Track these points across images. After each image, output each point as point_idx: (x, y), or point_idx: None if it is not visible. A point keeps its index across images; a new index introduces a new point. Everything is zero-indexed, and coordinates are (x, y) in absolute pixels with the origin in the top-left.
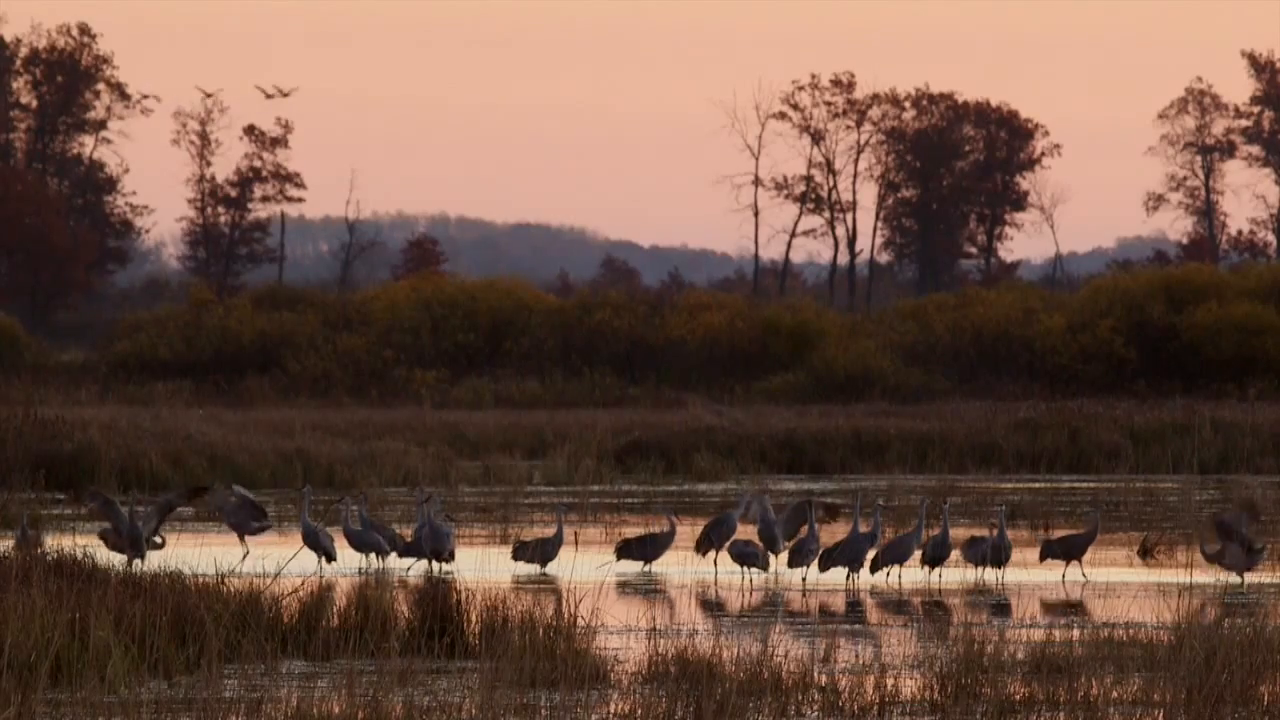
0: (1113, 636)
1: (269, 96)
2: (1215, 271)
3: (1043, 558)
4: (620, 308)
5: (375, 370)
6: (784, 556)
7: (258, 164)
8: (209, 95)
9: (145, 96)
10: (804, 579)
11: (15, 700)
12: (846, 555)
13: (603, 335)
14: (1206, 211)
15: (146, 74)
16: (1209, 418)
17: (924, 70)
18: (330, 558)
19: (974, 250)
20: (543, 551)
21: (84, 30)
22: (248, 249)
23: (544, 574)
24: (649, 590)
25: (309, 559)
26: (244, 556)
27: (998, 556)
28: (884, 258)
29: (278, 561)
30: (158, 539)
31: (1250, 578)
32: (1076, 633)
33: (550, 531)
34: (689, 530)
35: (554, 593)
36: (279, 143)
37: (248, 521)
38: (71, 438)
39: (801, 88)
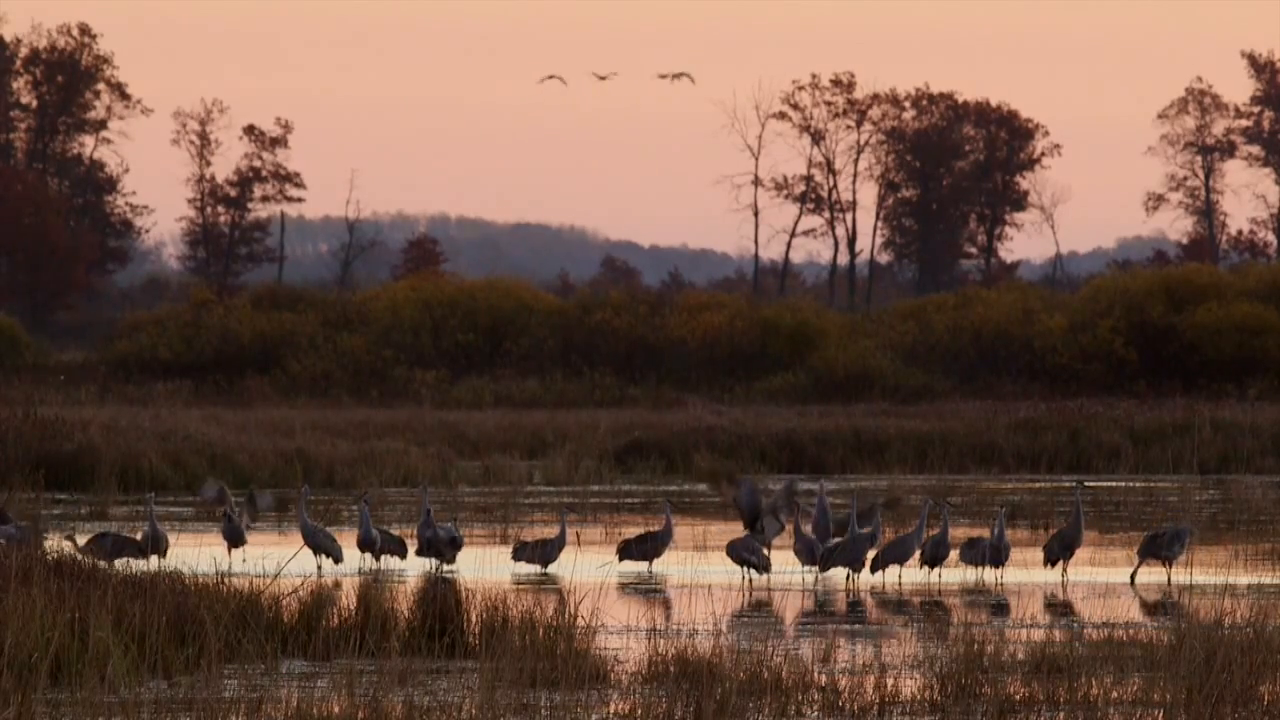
0: (1113, 636)
1: (601, 78)
2: (1215, 271)
3: (1048, 562)
4: (620, 308)
5: (375, 370)
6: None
7: (257, 164)
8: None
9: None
10: (804, 578)
11: (15, 700)
12: (846, 555)
13: (603, 335)
14: (1206, 211)
15: (146, 74)
16: (1209, 418)
17: (924, 70)
18: (334, 557)
19: (974, 250)
20: (543, 552)
21: (84, 30)
22: (248, 249)
23: (545, 574)
24: (649, 590)
25: (309, 559)
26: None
27: (996, 557)
28: (884, 258)
29: (278, 561)
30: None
31: (1248, 578)
32: (1076, 633)
33: (552, 532)
34: (689, 530)
35: (554, 593)
36: (279, 143)
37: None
38: (71, 438)
39: (801, 88)
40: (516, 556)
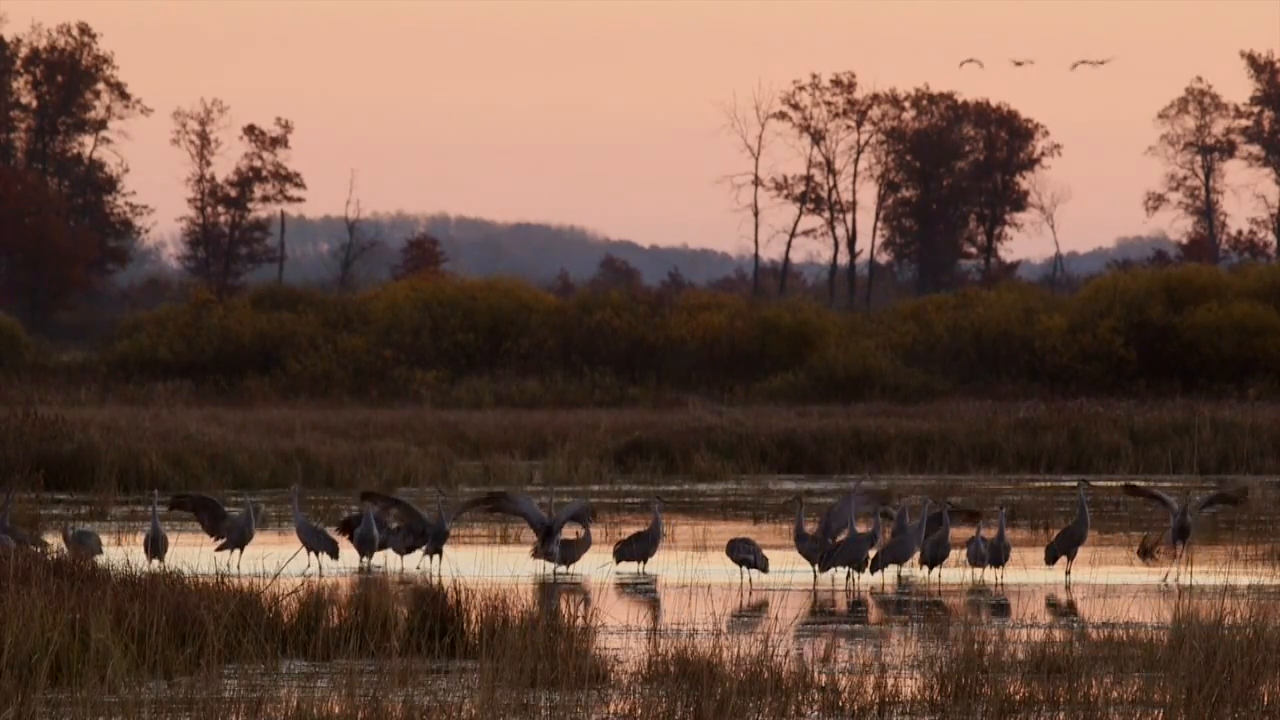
0: (1113, 636)
1: (1019, 64)
2: (1215, 271)
3: (1049, 560)
4: (620, 308)
5: (375, 370)
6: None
7: (258, 164)
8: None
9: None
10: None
11: (15, 700)
12: (846, 555)
13: (603, 335)
14: (1206, 211)
15: (146, 74)
16: (1209, 418)
17: (924, 70)
18: (331, 554)
19: (974, 250)
20: (567, 553)
21: (84, 30)
22: (248, 249)
23: (568, 572)
24: (649, 590)
25: (308, 558)
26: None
27: (997, 556)
28: (884, 258)
29: (278, 561)
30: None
31: (1248, 578)
32: (1076, 633)
33: (568, 534)
34: (689, 530)
35: (554, 593)
36: (279, 143)
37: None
38: (71, 438)
39: (802, 88)
40: (538, 555)
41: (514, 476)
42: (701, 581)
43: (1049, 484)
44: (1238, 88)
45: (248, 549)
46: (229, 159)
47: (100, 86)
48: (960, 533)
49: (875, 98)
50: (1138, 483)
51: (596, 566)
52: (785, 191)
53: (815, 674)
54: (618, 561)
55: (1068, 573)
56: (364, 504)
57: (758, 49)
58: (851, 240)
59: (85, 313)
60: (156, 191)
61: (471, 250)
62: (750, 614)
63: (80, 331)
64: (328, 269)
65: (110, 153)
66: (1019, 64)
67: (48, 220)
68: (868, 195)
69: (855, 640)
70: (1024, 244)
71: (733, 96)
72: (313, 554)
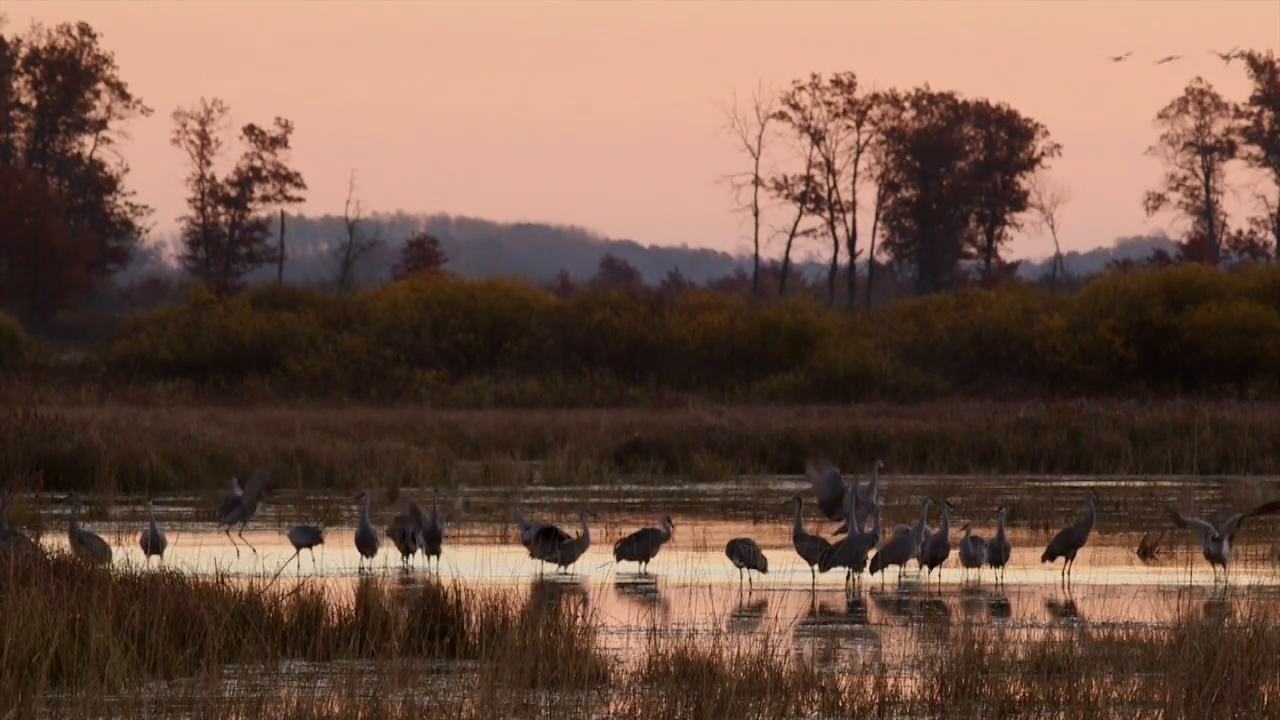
0: (1113, 636)
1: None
2: (1215, 271)
3: (1048, 557)
4: (620, 308)
5: (375, 370)
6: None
7: (258, 164)
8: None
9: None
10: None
11: (15, 700)
12: (846, 555)
13: (603, 335)
14: (1206, 211)
15: (146, 74)
16: (1209, 418)
17: (924, 70)
18: (318, 540)
19: (974, 250)
20: (567, 553)
21: (84, 30)
22: (248, 249)
23: (564, 573)
24: (649, 590)
25: (306, 559)
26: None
27: (996, 556)
28: (884, 258)
29: (278, 561)
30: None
31: (1248, 578)
32: (1076, 633)
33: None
34: (689, 530)
35: (554, 593)
36: (279, 143)
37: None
38: (71, 438)
39: (801, 88)
40: (537, 555)
41: (514, 476)
42: (701, 581)
43: (1049, 484)
44: (1238, 88)
45: (246, 549)
46: (229, 159)
47: (100, 86)
48: (960, 532)
49: (875, 98)
50: (1180, 515)
51: (596, 566)
52: (785, 191)
53: (815, 674)
54: (619, 560)
55: (1065, 573)
56: (361, 500)
57: (758, 49)
58: (851, 240)
59: (85, 313)
60: (156, 191)
61: (471, 250)
62: (750, 614)
63: (80, 331)
64: (328, 269)
65: (110, 153)
66: (1225, 57)
67: (48, 220)
68: (868, 195)
69: (855, 640)
70: (1024, 244)
71: (733, 96)
72: (304, 550)
